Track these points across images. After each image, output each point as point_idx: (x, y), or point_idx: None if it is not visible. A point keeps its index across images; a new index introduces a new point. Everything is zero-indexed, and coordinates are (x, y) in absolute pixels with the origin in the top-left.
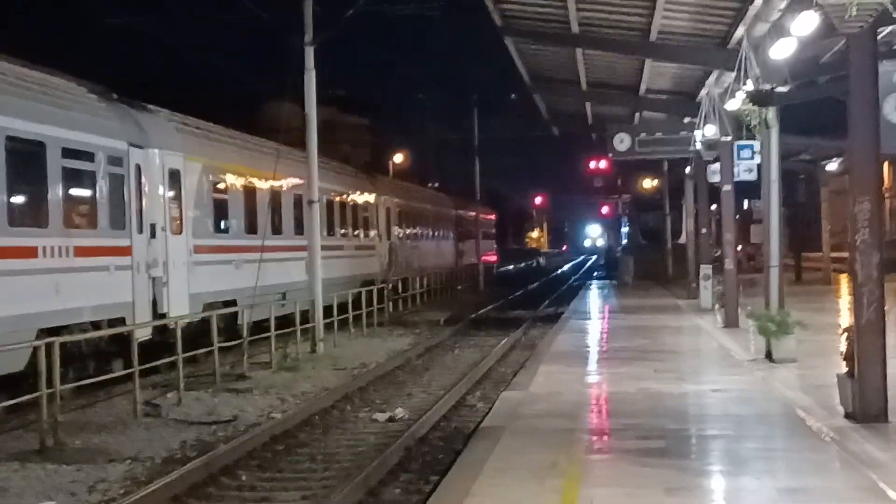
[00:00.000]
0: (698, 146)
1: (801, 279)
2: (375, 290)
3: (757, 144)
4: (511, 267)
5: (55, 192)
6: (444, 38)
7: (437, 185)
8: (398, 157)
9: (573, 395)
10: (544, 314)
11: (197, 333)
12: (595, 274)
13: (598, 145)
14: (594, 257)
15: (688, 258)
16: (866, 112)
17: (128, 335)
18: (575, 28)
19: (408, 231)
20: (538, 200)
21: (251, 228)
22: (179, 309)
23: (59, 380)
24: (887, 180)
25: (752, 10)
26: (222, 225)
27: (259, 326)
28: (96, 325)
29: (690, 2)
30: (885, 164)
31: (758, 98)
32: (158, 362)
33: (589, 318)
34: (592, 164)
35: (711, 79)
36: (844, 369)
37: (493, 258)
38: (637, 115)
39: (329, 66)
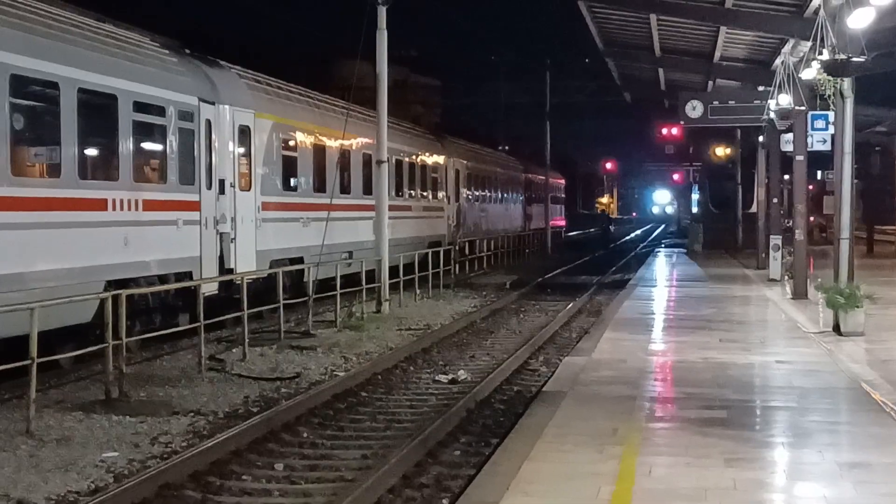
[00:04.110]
0: (772, 115)
1: (872, 252)
2: (442, 252)
3: (831, 115)
4: (575, 233)
5: (126, 145)
6: (518, 1)
7: (506, 147)
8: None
9: (636, 363)
10: (611, 280)
11: (263, 290)
12: (664, 242)
13: (669, 112)
14: (663, 226)
15: (758, 228)
16: None
17: (194, 290)
18: None
19: (476, 193)
20: (608, 166)
21: (319, 187)
22: (246, 265)
23: (126, 332)
24: None
25: None
26: (291, 182)
27: (325, 285)
28: (163, 279)
29: None
30: None
31: (833, 68)
32: (224, 317)
33: (655, 286)
34: (664, 131)
35: (787, 47)
36: None
37: (562, 223)
38: (710, 82)
39: (402, 27)
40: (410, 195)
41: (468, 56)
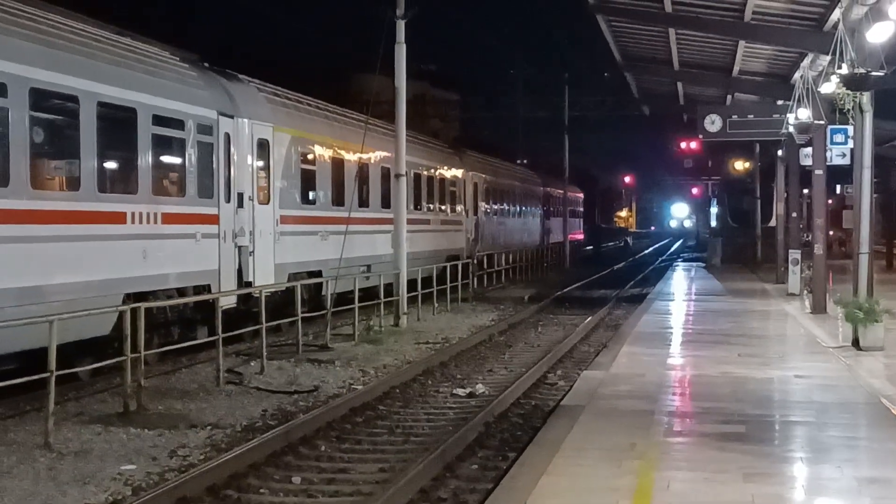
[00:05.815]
0: (790, 129)
1: (892, 267)
2: (460, 266)
3: (851, 129)
4: (590, 248)
5: (145, 158)
6: (537, 15)
7: (525, 161)
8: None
9: (654, 377)
10: (629, 294)
11: (281, 303)
12: (682, 256)
13: (688, 126)
14: (681, 240)
15: (777, 242)
16: None
17: (212, 303)
18: (668, 7)
19: (495, 207)
20: (627, 180)
21: (338, 200)
22: (264, 278)
23: (144, 345)
24: None
25: None
26: (309, 196)
27: (343, 298)
28: (181, 292)
29: None
30: None
31: (852, 82)
32: (242, 331)
33: (673, 300)
34: (683, 145)
35: (806, 61)
36: None
37: (580, 236)
38: (729, 96)
39: (420, 40)
40: (429, 209)
41: (487, 70)
